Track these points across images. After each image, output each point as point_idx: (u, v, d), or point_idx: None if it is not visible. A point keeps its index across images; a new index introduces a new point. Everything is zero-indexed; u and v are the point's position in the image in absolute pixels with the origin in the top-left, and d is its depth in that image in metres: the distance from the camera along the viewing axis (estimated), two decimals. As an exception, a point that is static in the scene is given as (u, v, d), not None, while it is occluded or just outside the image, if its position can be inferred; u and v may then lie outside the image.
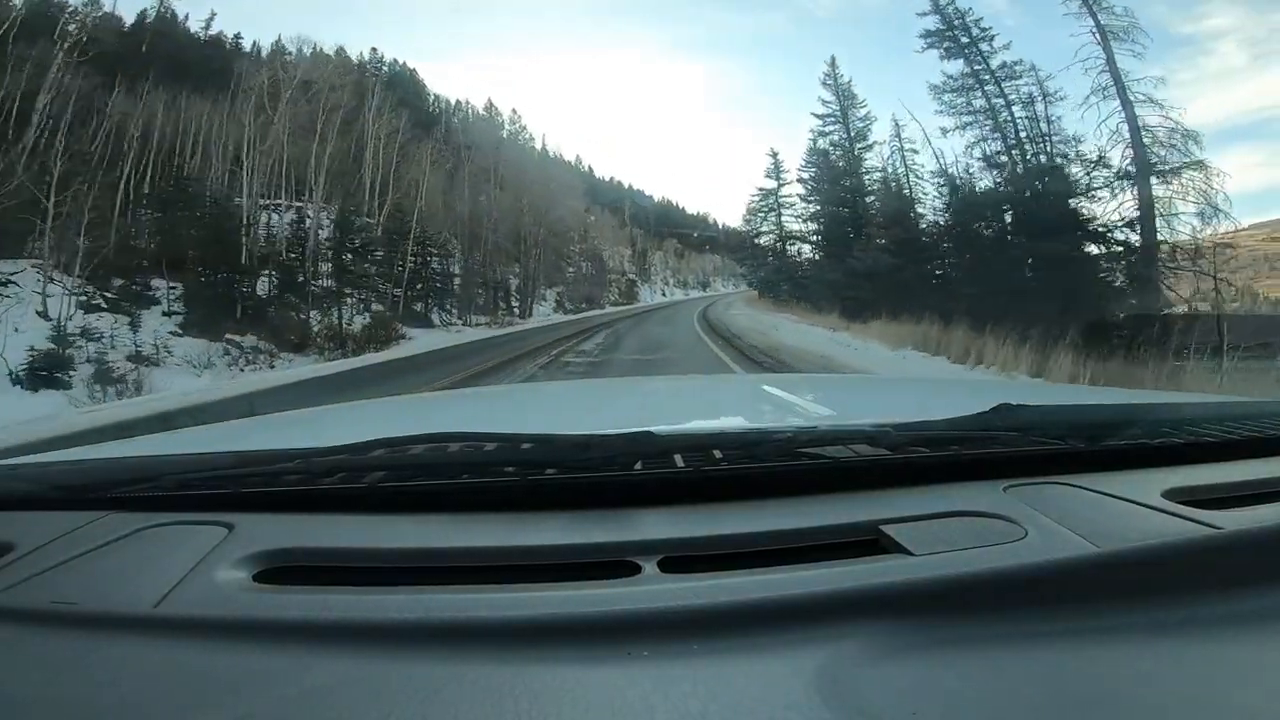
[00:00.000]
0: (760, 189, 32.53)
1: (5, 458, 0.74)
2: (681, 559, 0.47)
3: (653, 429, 0.62)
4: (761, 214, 33.53)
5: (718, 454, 0.59)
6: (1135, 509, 0.53)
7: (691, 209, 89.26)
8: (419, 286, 21.18)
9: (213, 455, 0.69)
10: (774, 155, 31.45)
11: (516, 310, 27.07)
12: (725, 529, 0.51)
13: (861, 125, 25.27)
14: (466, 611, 0.41)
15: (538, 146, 41.40)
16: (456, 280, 23.65)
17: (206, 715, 0.33)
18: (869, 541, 0.50)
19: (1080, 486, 0.58)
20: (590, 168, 69.30)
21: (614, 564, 0.47)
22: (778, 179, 31.50)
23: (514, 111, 35.18)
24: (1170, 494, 0.55)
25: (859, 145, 25.04)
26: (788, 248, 31.72)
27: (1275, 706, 0.34)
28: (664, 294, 60.79)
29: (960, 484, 0.59)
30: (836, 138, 25.52)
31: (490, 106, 31.46)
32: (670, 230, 72.58)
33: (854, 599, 0.41)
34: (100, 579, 0.46)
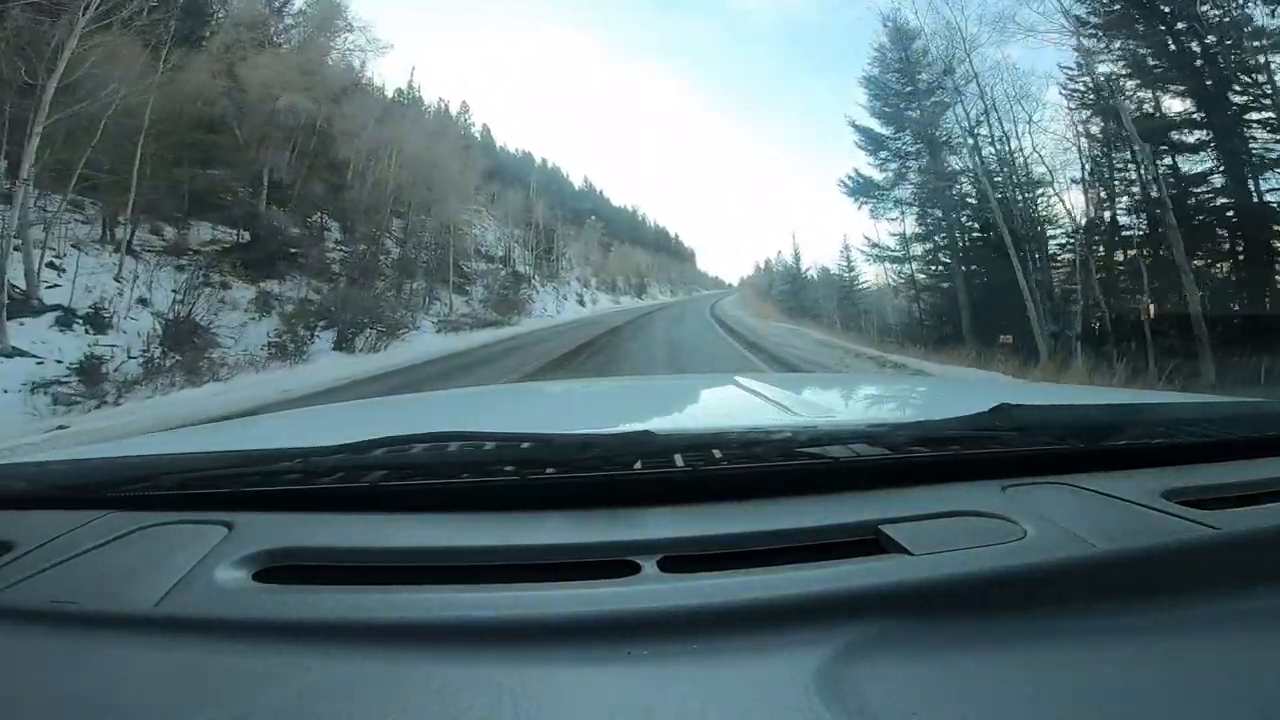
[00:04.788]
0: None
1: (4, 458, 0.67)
2: (681, 559, 0.47)
3: (652, 428, 0.62)
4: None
5: (717, 454, 0.59)
6: (1134, 509, 0.53)
7: (618, 201, 70.13)
8: None
9: (212, 454, 0.67)
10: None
11: None
12: (725, 528, 0.50)
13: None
14: (466, 611, 0.41)
15: (401, 84, 25.27)
16: None
17: (206, 714, 0.33)
18: (868, 541, 0.49)
19: (1079, 486, 0.57)
20: (485, 129, 47.26)
21: (614, 563, 0.47)
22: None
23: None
24: (1169, 494, 0.55)
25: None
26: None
27: (1273, 705, 0.34)
28: (581, 302, 36.88)
29: (960, 484, 0.58)
30: None
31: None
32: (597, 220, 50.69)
33: (853, 599, 0.41)
34: (100, 578, 0.46)
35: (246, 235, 13.80)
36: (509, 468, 0.56)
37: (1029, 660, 0.37)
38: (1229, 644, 0.38)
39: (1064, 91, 14.32)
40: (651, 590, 0.43)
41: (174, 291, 10.37)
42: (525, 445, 0.58)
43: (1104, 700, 0.34)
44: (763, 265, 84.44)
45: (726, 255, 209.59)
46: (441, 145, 21.46)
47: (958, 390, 1.58)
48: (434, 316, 17.43)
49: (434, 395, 2.13)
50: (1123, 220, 13.86)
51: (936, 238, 19.08)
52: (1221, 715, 0.34)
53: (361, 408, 1.43)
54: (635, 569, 0.46)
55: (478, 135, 45.91)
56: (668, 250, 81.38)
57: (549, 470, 0.56)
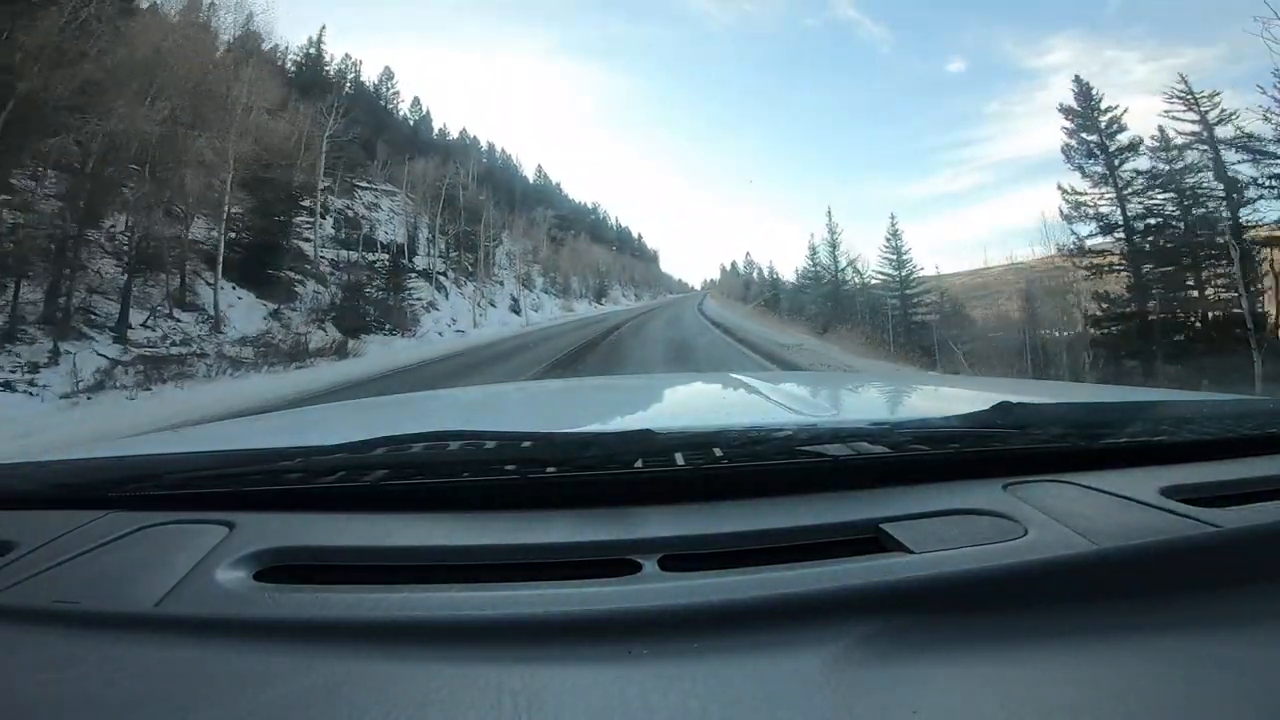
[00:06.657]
0: None
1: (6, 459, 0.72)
2: (682, 557, 0.47)
3: (653, 427, 0.62)
4: None
5: (718, 452, 0.58)
6: (1135, 507, 0.52)
7: (577, 197, 61.41)
8: None
9: (213, 454, 0.67)
10: None
11: None
12: (726, 527, 0.50)
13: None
14: (467, 610, 0.41)
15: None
16: None
17: (207, 714, 0.33)
18: (869, 539, 0.49)
19: (1080, 484, 0.57)
20: (419, 104, 39.58)
21: (614, 562, 0.47)
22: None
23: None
24: (1169, 492, 0.54)
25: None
26: None
27: (1273, 704, 0.34)
28: (516, 309, 27.53)
29: (960, 482, 0.58)
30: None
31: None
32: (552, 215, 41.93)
33: (854, 597, 0.41)
34: (101, 578, 0.46)
35: None
36: (510, 467, 0.56)
37: (1030, 658, 0.37)
38: (1229, 642, 0.38)
39: None
40: (652, 589, 0.43)
41: None
42: (526, 444, 0.58)
43: (1104, 698, 0.34)
44: (728, 267, 75.75)
45: (687, 258, 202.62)
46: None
47: (959, 389, 1.51)
48: (141, 346, 8.09)
49: (434, 395, 2.09)
50: None
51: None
52: (1222, 714, 0.33)
53: (361, 407, 1.40)
54: (636, 568, 0.46)
55: (406, 111, 36.59)
56: (630, 250, 73.89)
57: (550, 469, 0.56)
